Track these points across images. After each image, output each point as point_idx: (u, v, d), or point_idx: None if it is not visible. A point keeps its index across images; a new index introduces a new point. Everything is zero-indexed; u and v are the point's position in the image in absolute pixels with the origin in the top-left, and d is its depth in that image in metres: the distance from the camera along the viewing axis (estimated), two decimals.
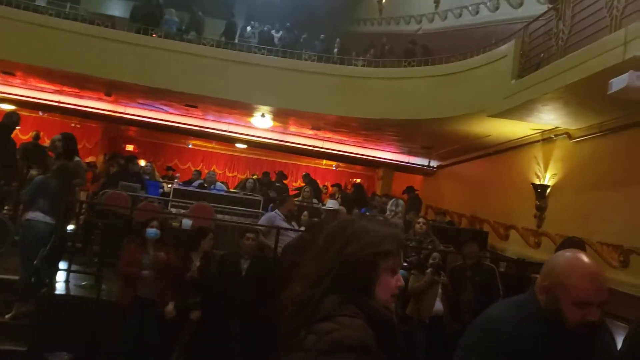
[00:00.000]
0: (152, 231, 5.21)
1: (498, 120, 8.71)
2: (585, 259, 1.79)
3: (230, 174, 18.24)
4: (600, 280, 1.78)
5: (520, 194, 9.30)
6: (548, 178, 8.74)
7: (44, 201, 5.66)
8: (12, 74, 11.60)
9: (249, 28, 14.76)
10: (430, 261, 5.72)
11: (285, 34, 13.62)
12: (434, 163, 14.68)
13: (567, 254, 1.86)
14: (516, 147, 10.01)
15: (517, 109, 7.77)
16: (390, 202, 8.09)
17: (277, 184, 11.81)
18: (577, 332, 1.75)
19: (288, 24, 13.90)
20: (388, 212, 7.75)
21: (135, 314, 5.19)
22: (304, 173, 14.88)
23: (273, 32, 13.64)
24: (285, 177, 13.49)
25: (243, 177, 15.53)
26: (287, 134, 14.32)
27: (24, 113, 14.18)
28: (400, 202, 8.06)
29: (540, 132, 9.01)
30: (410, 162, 14.96)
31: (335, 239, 1.54)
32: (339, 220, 1.64)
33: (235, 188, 12.13)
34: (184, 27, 12.66)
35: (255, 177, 12.25)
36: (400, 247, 1.59)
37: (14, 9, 10.33)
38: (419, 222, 7.02)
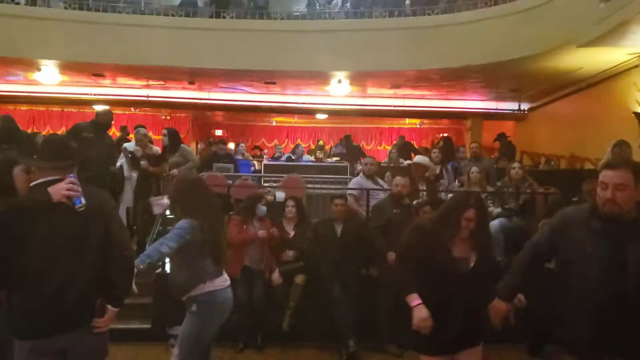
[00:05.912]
0: (263, 209, 5.80)
1: (589, 50, 8.19)
2: None
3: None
4: None
5: (622, 125, 8.73)
6: None
7: None
8: (102, 76, 12.27)
9: None
10: None
11: None
12: (524, 106, 14.02)
13: None
14: (612, 76, 9.38)
15: (609, 35, 7.28)
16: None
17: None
18: None
19: None
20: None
21: (244, 283, 5.49)
22: (400, 135, 14.73)
23: None
24: (350, 139, 13.79)
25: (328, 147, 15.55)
26: (366, 97, 14.16)
27: (117, 111, 15.06)
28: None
29: (638, 55, 8.38)
30: (499, 108, 14.34)
31: None
32: None
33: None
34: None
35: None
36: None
37: (95, 12, 10.85)
38: (514, 168, 6.85)
